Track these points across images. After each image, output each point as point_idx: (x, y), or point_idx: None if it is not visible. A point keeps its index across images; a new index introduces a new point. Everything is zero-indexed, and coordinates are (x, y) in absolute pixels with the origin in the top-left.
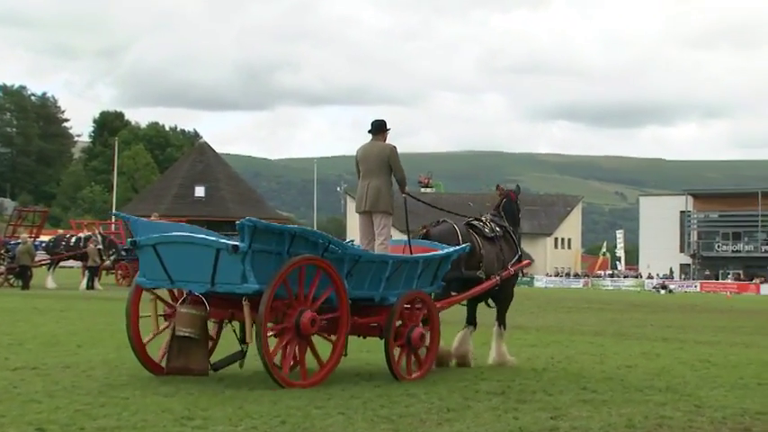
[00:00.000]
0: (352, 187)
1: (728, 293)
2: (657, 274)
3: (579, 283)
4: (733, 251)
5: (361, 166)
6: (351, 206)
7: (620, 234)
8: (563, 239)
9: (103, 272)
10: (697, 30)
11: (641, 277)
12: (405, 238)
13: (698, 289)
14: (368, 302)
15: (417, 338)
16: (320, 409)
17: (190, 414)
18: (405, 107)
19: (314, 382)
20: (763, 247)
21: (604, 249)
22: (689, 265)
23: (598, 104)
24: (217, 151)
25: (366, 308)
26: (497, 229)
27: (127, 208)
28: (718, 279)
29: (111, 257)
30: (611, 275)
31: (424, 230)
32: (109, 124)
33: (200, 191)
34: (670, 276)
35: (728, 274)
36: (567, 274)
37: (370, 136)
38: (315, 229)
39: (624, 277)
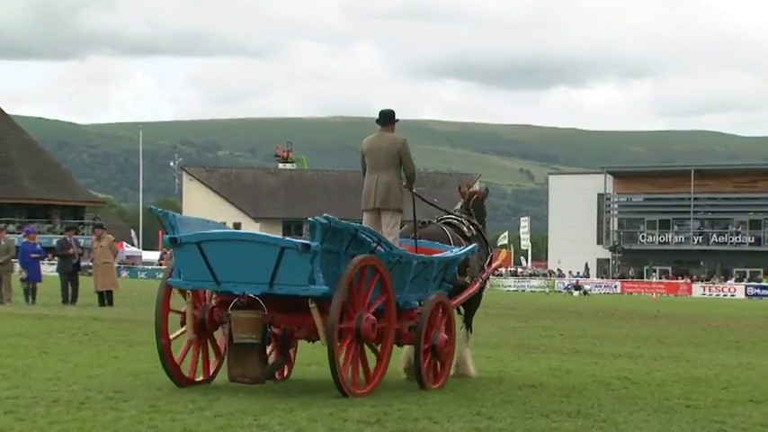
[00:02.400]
0: (189, 163)
1: (654, 295)
2: (570, 272)
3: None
4: (660, 243)
5: (369, 158)
6: (188, 186)
7: (525, 222)
8: None
9: None
10: None
11: (551, 276)
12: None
13: (618, 290)
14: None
15: (442, 345)
16: None
17: None
18: (254, 59)
19: (370, 389)
20: (697, 238)
21: (506, 241)
22: (608, 260)
23: (495, 60)
24: (6, 113)
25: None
26: (472, 228)
27: None
28: (642, 277)
29: None
30: (514, 273)
31: (418, 234)
32: None
33: None
34: (585, 274)
35: (655, 271)
36: None
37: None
38: (140, 215)
39: (530, 276)
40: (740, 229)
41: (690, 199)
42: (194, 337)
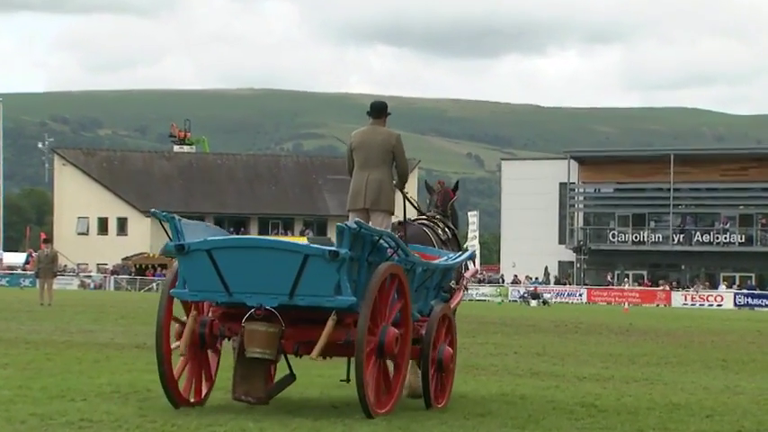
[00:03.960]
0: (62, 144)
1: (626, 305)
2: (527, 278)
3: None
4: (634, 242)
5: (358, 154)
6: (61, 172)
7: (473, 217)
8: None
9: None
10: None
11: (503, 282)
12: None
13: (584, 299)
14: None
15: (449, 359)
16: None
17: None
18: (143, 18)
19: (390, 408)
20: (677, 237)
21: None
22: (572, 263)
23: (435, 22)
24: None
25: None
26: (447, 230)
27: None
28: (612, 284)
29: None
30: None
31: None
32: None
33: None
34: (545, 280)
35: (627, 276)
36: None
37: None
38: (1, 208)
39: (479, 282)
40: (728, 225)
41: (669, 190)
42: (191, 355)
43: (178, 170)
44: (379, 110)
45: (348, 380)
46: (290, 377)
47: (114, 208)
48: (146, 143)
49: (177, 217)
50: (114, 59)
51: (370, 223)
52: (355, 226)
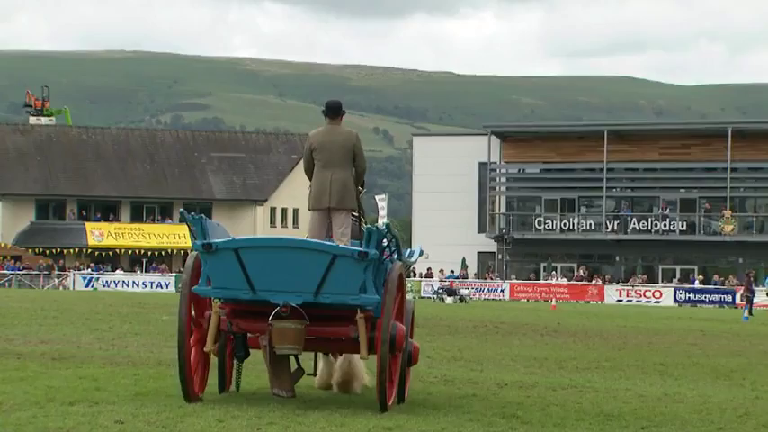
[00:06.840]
0: None
1: (554, 302)
2: (441, 271)
3: None
4: (563, 230)
5: (320, 154)
6: None
7: (381, 201)
8: (284, 211)
9: None
10: None
11: (415, 275)
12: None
13: (506, 295)
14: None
15: (417, 354)
16: None
17: None
18: None
19: (393, 403)
20: (611, 224)
21: None
22: (493, 253)
23: None
24: None
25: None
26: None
27: None
28: (538, 278)
29: None
30: None
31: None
32: None
33: None
34: (462, 274)
35: (555, 268)
36: None
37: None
38: None
39: None
40: (668, 211)
41: (602, 170)
42: (214, 349)
43: (35, 146)
44: (335, 109)
45: (316, 373)
46: (300, 371)
47: None
48: None
49: (204, 216)
50: None
51: (333, 221)
52: (384, 228)
